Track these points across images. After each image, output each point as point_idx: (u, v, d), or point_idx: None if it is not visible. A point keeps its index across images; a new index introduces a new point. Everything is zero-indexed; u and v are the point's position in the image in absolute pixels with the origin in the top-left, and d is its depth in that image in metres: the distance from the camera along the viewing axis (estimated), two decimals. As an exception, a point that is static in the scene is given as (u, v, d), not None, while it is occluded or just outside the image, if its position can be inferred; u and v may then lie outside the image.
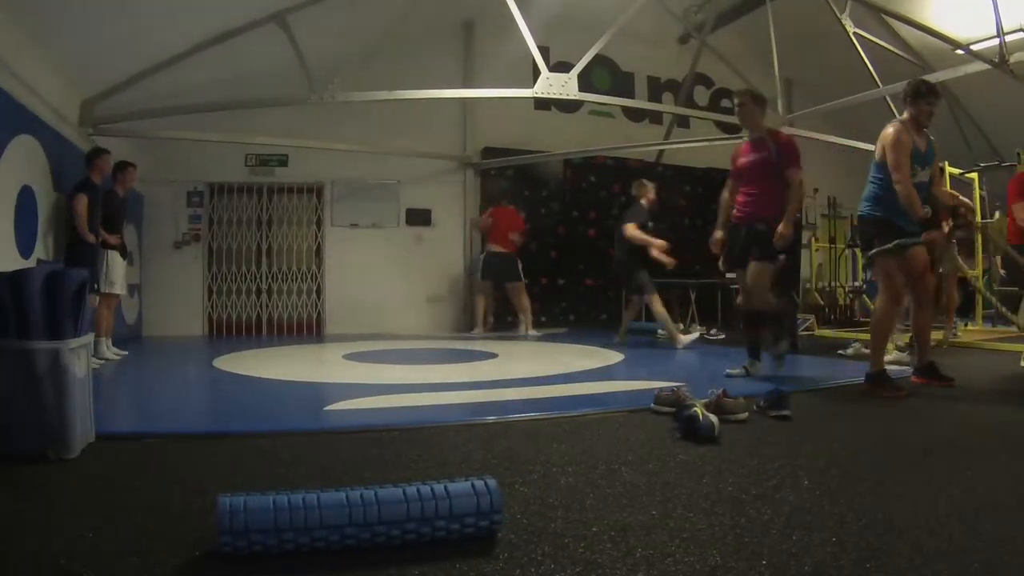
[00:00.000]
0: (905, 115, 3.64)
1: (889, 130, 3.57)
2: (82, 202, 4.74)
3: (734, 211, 4.12)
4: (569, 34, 7.90)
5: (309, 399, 3.70)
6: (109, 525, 1.56)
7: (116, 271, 5.28)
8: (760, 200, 3.94)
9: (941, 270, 5.93)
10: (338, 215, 8.41)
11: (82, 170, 4.99)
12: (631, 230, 5.83)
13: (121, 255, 5.37)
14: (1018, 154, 5.17)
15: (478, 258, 8.09)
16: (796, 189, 3.89)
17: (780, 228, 3.83)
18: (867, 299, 8.73)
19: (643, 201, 6.01)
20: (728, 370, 4.17)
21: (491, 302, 8.06)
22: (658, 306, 5.92)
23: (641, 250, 5.92)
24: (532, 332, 7.66)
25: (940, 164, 5.85)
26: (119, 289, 5.36)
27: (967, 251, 6.98)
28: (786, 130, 7.50)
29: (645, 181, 6.24)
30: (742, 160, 4.06)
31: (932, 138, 3.68)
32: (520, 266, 7.80)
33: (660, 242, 5.87)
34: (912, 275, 3.63)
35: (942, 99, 3.74)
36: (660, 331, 7.24)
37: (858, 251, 8.52)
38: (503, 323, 8.05)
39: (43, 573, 1.30)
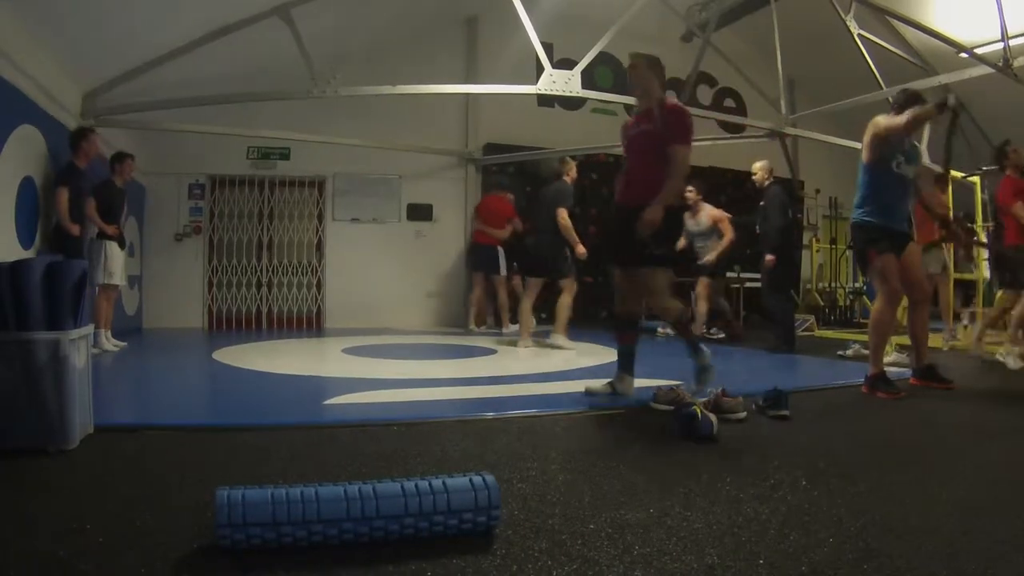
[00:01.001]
0: (891, 116, 3.68)
1: (876, 118, 3.63)
2: (63, 196, 4.66)
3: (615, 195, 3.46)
4: (573, 31, 7.90)
5: (308, 393, 3.70)
6: (107, 517, 1.56)
7: (114, 261, 5.26)
8: (645, 182, 3.21)
9: (931, 271, 5.91)
10: (339, 209, 8.40)
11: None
12: (565, 217, 5.56)
13: (120, 246, 5.35)
14: (1002, 146, 5.14)
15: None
16: (677, 167, 3.17)
17: (646, 213, 3.10)
18: (867, 300, 8.74)
19: (566, 178, 5.87)
20: (587, 385, 3.43)
21: (484, 296, 7.94)
22: (567, 298, 5.64)
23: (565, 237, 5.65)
24: (505, 329, 7.46)
25: (938, 167, 5.86)
26: (117, 280, 5.34)
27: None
28: (789, 130, 7.54)
29: (568, 158, 6.13)
30: (629, 134, 3.41)
31: (916, 143, 3.77)
32: (501, 259, 7.56)
33: (582, 249, 5.62)
34: (908, 276, 3.65)
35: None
36: (660, 328, 7.24)
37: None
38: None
39: (41, 566, 1.30)
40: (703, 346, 3.38)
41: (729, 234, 6.55)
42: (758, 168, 5.99)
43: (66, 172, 4.80)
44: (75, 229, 4.77)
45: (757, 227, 6.01)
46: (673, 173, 3.18)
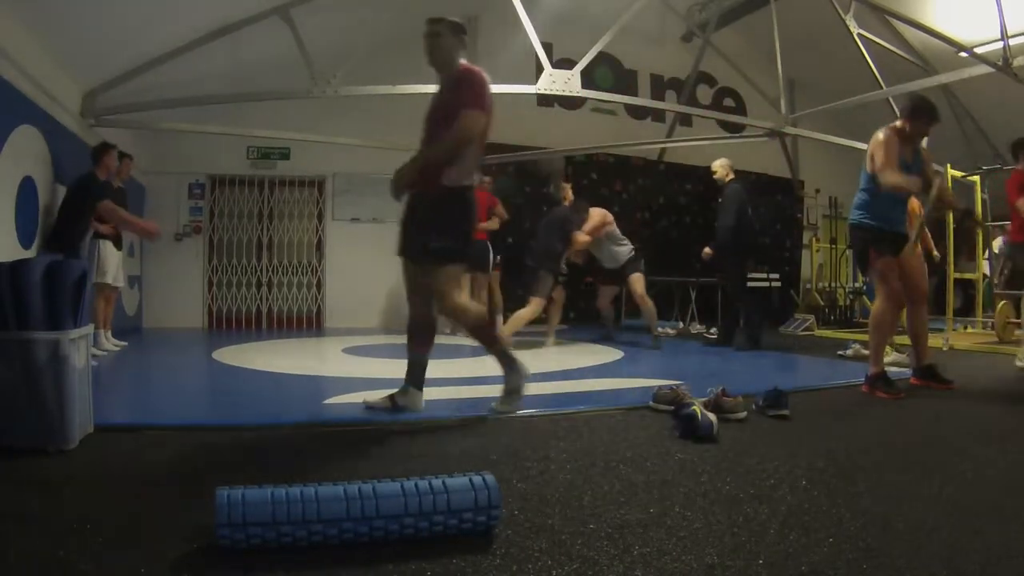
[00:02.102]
0: (898, 124, 3.67)
1: (879, 135, 3.61)
2: (111, 206, 4.69)
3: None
4: (572, 31, 7.89)
5: (308, 392, 3.70)
6: (107, 517, 1.56)
7: (109, 261, 5.23)
8: (437, 163, 2.80)
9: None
10: (339, 209, 8.40)
11: (86, 163, 4.89)
12: (581, 239, 5.73)
13: (116, 246, 5.33)
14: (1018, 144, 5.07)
15: None
16: (457, 131, 2.73)
17: (402, 170, 2.78)
18: (867, 300, 8.74)
19: (566, 203, 5.90)
20: (366, 398, 3.03)
21: (478, 295, 7.83)
22: (527, 313, 5.62)
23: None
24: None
25: (939, 167, 5.82)
26: (111, 279, 5.27)
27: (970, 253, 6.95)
28: (789, 130, 7.53)
29: (563, 183, 6.17)
30: (428, 109, 3.01)
31: (923, 146, 3.75)
32: (487, 254, 7.21)
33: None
34: (906, 277, 3.66)
35: (939, 123, 3.75)
36: (660, 328, 7.23)
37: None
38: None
39: (41, 565, 1.30)
40: (517, 364, 2.96)
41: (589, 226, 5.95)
42: (718, 166, 5.97)
43: (91, 183, 4.72)
44: (152, 226, 4.94)
45: (716, 222, 5.94)
46: (449, 136, 2.73)
